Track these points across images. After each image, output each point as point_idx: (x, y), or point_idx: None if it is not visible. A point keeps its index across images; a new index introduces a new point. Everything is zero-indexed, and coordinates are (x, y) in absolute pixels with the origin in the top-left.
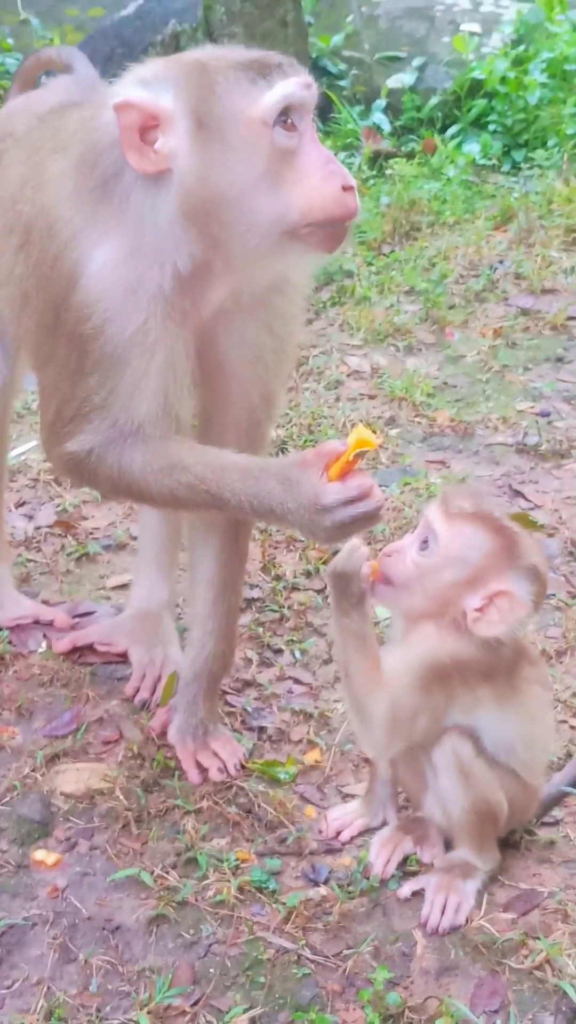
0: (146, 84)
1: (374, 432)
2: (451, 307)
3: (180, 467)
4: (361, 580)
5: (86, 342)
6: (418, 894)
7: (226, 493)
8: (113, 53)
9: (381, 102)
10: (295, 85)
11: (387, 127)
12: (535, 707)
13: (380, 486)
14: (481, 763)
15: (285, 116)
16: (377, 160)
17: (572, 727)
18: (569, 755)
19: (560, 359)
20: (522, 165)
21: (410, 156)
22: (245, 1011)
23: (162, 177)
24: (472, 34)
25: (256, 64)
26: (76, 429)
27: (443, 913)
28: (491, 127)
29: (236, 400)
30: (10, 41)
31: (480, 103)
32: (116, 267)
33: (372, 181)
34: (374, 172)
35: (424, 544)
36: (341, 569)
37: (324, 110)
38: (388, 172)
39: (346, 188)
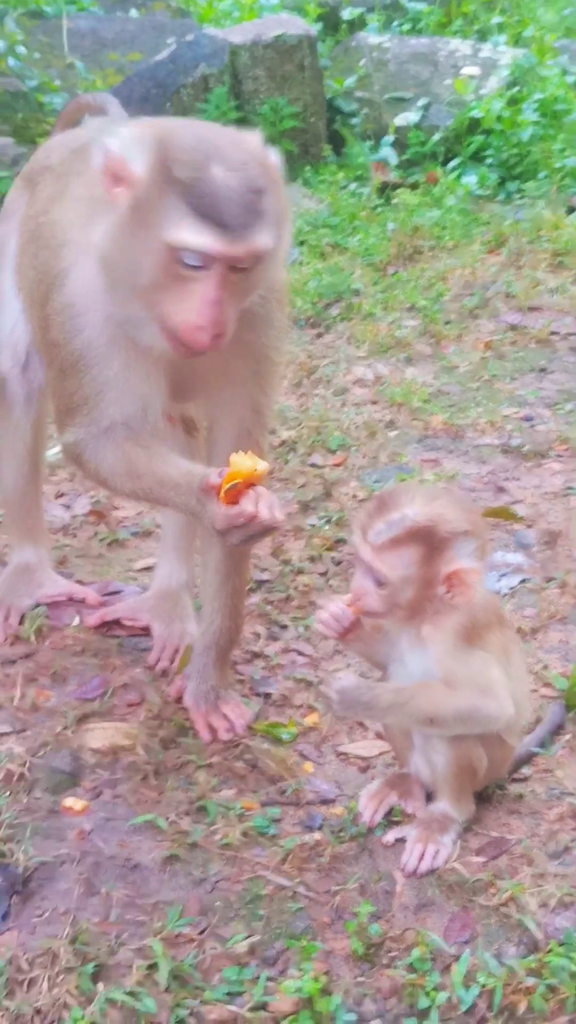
0: (130, 144)
1: (374, 434)
2: (447, 322)
3: (135, 475)
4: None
5: (58, 346)
6: (401, 840)
7: (169, 502)
8: (149, 93)
9: (389, 138)
10: (209, 246)
11: (394, 160)
12: (517, 669)
13: (377, 482)
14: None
15: (197, 257)
16: (385, 190)
17: (543, 696)
18: (539, 720)
19: (543, 369)
20: (515, 195)
21: (414, 187)
22: (245, 938)
23: (108, 214)
24: (471, 77)
25: (205, 204)
26: (69, 422)
27: (421, 859)
28: (488, 161)
29: (227, 413)
30: (57, 82)
31: (478, 139)
32: (87, 280)
33: (380, 209)
34: (382, 201)
35: (377, 586)
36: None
37: (337, 145)
38: (394, 201)
39: (199, 327)
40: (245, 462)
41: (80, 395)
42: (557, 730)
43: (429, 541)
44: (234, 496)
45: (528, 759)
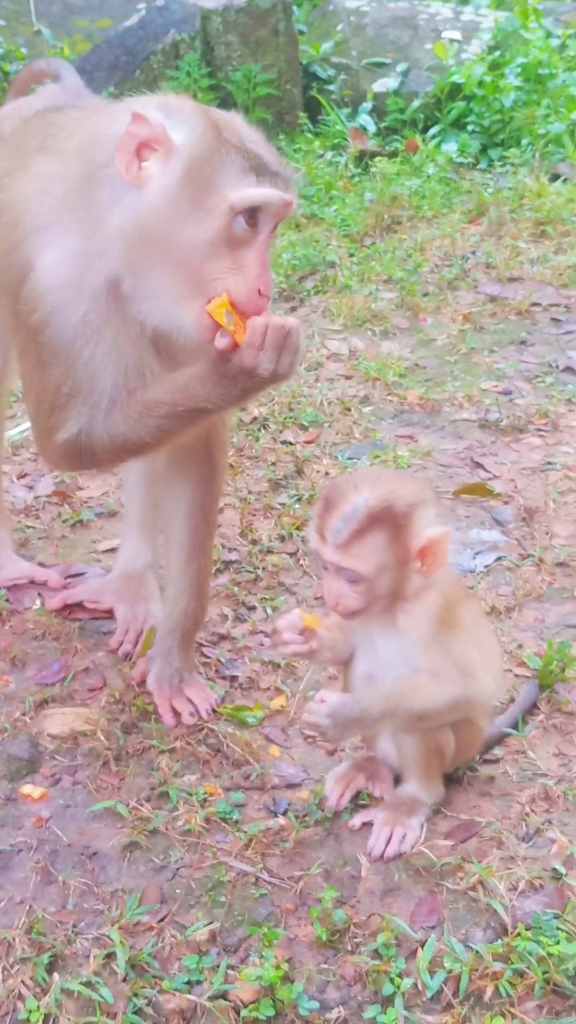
0: (167, 112)
1: (348, 410)
2: (425, 294)
3: (152, 404)
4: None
5: (36, 333)
6: (368, 824)
7: (195, 410)
8: (118, 61)
9: (367, 105)
10: (274, 196)
11: (372, 128)
12: (488, 641)
13: (350, 459)
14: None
15: (253, 214)
16: (363, 159)
17: (516, 675)
18: (512, 700)
19: (523, 342)
20: (497, 163)
21: (393, 155)
22: (206, 926)
23: (130, 190)
24: (452, 41)
25: (259, 161)
26: (60, 419)
27: (388, 843)
28: (469, 128)
29: None
30: (24, 50)
31: (459, 105)
32: (62, 264)
33: (357, 178)
34: (359, 170)
35: (350, 584)
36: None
37: (314, 112)
38: (372, 170)
39: (262, 293)
40: (215, 302)
41: (71, 383)
42: (530, 710)
43: (391, 521)
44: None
45: (500, 740)
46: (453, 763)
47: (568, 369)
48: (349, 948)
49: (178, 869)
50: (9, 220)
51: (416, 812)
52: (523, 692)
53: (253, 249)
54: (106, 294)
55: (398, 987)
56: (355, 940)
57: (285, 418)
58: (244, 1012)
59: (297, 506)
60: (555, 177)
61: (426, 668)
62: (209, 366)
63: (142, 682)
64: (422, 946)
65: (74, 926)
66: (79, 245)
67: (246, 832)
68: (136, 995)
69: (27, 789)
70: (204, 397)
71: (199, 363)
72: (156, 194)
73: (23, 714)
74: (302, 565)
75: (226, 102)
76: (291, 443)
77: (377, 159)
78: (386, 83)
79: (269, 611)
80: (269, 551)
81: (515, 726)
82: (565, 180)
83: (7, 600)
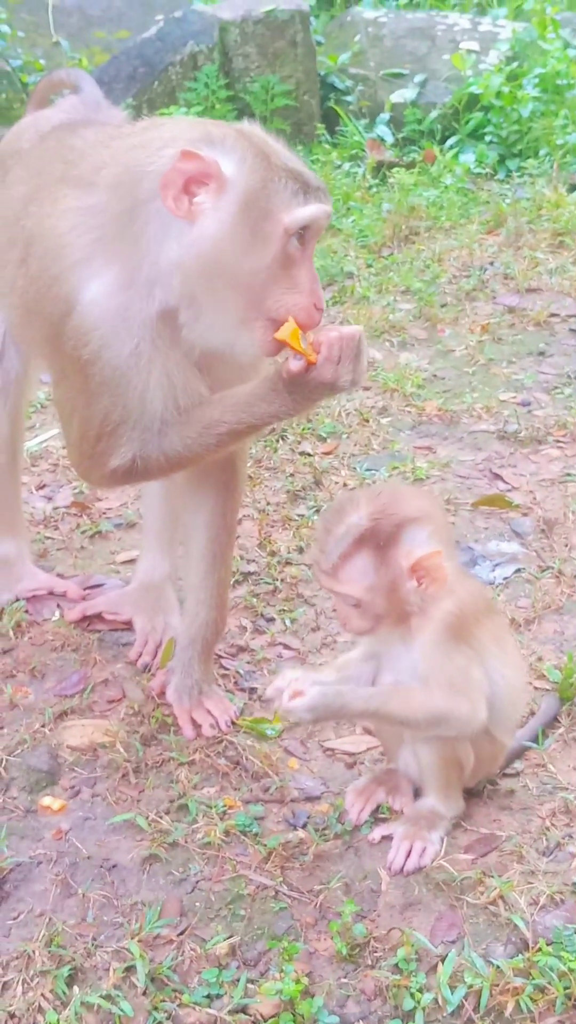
0: (211, 144)
1: (367, 421)
2: (443, 305)
3: (214, 423)
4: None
5: (86, 366)
6: (387, 838)
7: (265, 420)
8: (136, 72)
9: (385, 116)
10: (321, 212)
11: (390, 139)
12: (512, 658)
13: (369, 470)
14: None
15: (303, 232)
16: (380, 169)
17: (535, 688)
18: (532, 713)
19: (542, 353)
20: (515, 173)
21: (411, 166)
22: (226, 939)
23: (180, 224)
24: (470, 52)
25: (302, 179)
26: (110, 447)
27: (408, 857)
28: (487, 138)
29: None
30: (42, 61)
31: (477, 116)
32: (108, 297)
33: (375, 189)
34: (377, 181)
35: (352, 607)
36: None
37: (331, 123)
38: (390, 181)
39: (317, 307)
40: (281, 329)
41: (121, 411)
42: (550, 723)
43: (376, 541)
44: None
45: (520, 753)
46: (474, 777)
47: None
48: (369, 962)
49: (197, 882)
50: (44, 253)
51: (436, 826)
52: (543, 705)
53: (303, 266)
54: (158, 323)
55: (418, 1002)
56: (375, 954)
57: (303, 429)
58: None
59: (315, 517)
60: (573, 188)
61: (420, 669)
62: (277, 384)
63: (161, 694)
64: (442, 961)
65: (94, 939)
66: (125, 278)
67: (266, 845)
68: (156, 1008)
69: (47, 801)
70: (271, 413)
71: (260, 382)
72: (213, 228)
73: (42, 726)
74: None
75: (243, 113)
76: (309, 454)
77: (395, 170)
78: (404, 94)
79: (288, 623)
80: (287, 562)
81: (535, 739)
82: None
83: (26, 611)
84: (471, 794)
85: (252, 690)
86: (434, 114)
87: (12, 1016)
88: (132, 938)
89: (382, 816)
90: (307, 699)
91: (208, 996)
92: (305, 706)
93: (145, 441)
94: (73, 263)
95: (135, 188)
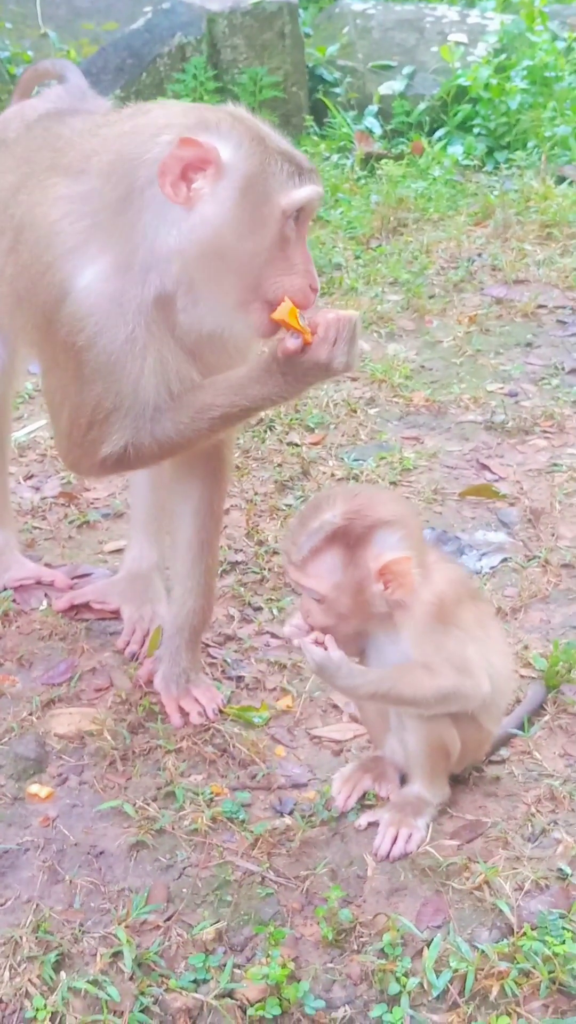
0: (208, 130)
1: (354, 411)
2: (431, 296)
3: (206, 407)
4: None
5: (80, 352)
6: (373, 824)
7: (258, 402)
8: (124, 64)
9: (373, 107)
10: (316, 194)
11: (378, 131)
12: (496, 643)
13: (356, 460)
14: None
15: (298, 214)
16: (368, 161)
17: (522, 676)
18: (518, 701)
19: (529, 344)
20: (503, 165)
21: (399, 157)
22: (212, 925)
23: (177, 210)
24: (458, 44)
25: (296, 162)
26: (102, 435)
27: (393, 843)
28: (475, 130)
29: None
30: (30, 53)
31: (465, 108)
32: (104, 283)
33: (363, 181)
34: (365, 172)
35: (315, 603)
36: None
37: (320, 115)
38: (378, 172)
39: (313, 288)
40: (279, 308)
41: (114, 397)
42: (537, 711)
43: (347, 541)
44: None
45: (506, 740)
46: (460, 764)
47: (574, 371)
48: (355, 947)
49: (184, 868)
50: (36, 241)
51: (422, 812)
52: (529, 693)
53: (298, 247)
54: (154, 309)
55: (404, 986)
56: (361, 939)
57: (291, 419)
58: (250, 1011)
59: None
60: (561, 180)
61: (418, 660)
62: (271, 365)
63: (149, 682)
64: (428, 945)
65: (81, 925)
66: (119, 264)
67: (252, 832)
68: (143, 994)
69: (34, 788)
70: (264, 396)
71: (252, 364)
72: (212, 213)
73: (30, 714)
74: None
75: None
76: (297, 444)
77: (383, 161)
78: (392, 86)
79: (275, 612)
80: (275, 552)
81: (521, 727)
82: (571, 182)
83: (14, 601)
84: (457, 781)
85: (239, 678)
86: (422, 106)
87: (0, 1001)
88: (119, 924)
89: (368, 803)
90: (323, 655)
91: (195, 981)
92: (317, 660)
93: (137, 428)
94: (66, 250)
95: (130, 175)
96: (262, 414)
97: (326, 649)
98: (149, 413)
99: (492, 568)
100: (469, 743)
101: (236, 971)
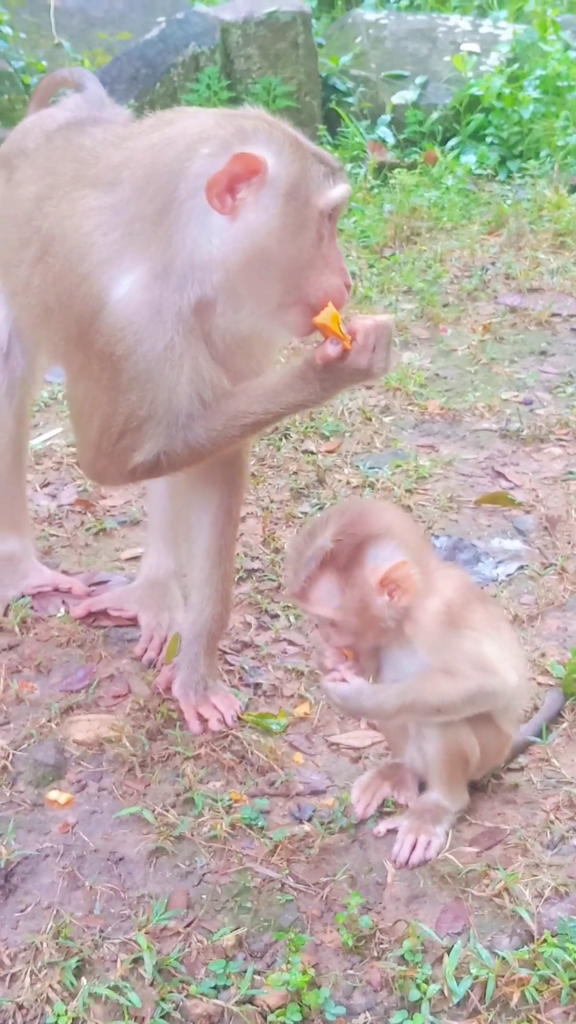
0: (249, 140)
1: (369, 419)
2: (445, 305)
3: (239, 414)
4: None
5: (118, 361)
6: (392, 831)
7: (292, 408)
8: (138, 74)
9: (386, 117)
10: (348, 191)
11: (391, 140)
12: (510, 646)
13: (371, 468)
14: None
15: (331, 213)
16: (381, 171)
17: (539, 683)
18: (536, 708)
19: (543, 352)
20: (516, 174)
21: (412, 167)
22: (232, 931)
23: (222, 221)
24: (471, 53)
25: (327, 162)
26: (134, 443)
27: (412, 850)
28: (488, 139)
29: None
30: (44, 63)
31: (478, 117)
32: (142, 291)
33: (376, 190)
34: (378, 182)
35: (329, 626)
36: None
37: (333, 125)
38: (391, 182)
39: (347, 285)
40: (321, 314)
41: (149, 406)
42: (555, 718)
43: (340, 562)
44: (347, 337)
45: (524, 748)
46: (480, 770)
47: None
48: (375, 954)
49: (204, 875)
50: (69, 253)
51: (441, 820)
52: (547, 700)
53: (331, 243)
54: (192, 317)
55: (424, 993)
56: (381, 946)
57: (306, 428)
58: (271, 1017)
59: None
60: (574, 188)
61: (438, 668)
62: (307, 372)
63: (167, 689)
64: (448, 952)
65: (101, 931)
66: (156, 273)
67: (271, 838)
68: (163, 1000)
69: (53, 795)
70: (298, 402)
71: (286, 371)
72: (258, 221)
73: (49, 720)
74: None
75: None
76: (313, 452)
77: (396, 171)
78: (405, 95)
79: (292, 619)
80: None
81: (539, 734)
82: None
83: (32, 608)
84: (476, 788)
85: (257, 685)
86: (435, 115)
87: (20, 1007)
88: (139, 930)
89: (387, 810)
90: (344, 690)
91: (215, 987)
92: (342, 694)
93: (171, 436)
94: (101, 261)
95: (168, 188)
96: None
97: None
98: (183, 420)
99: (508, 576)
100: (488, 748)
101: (256, 977)
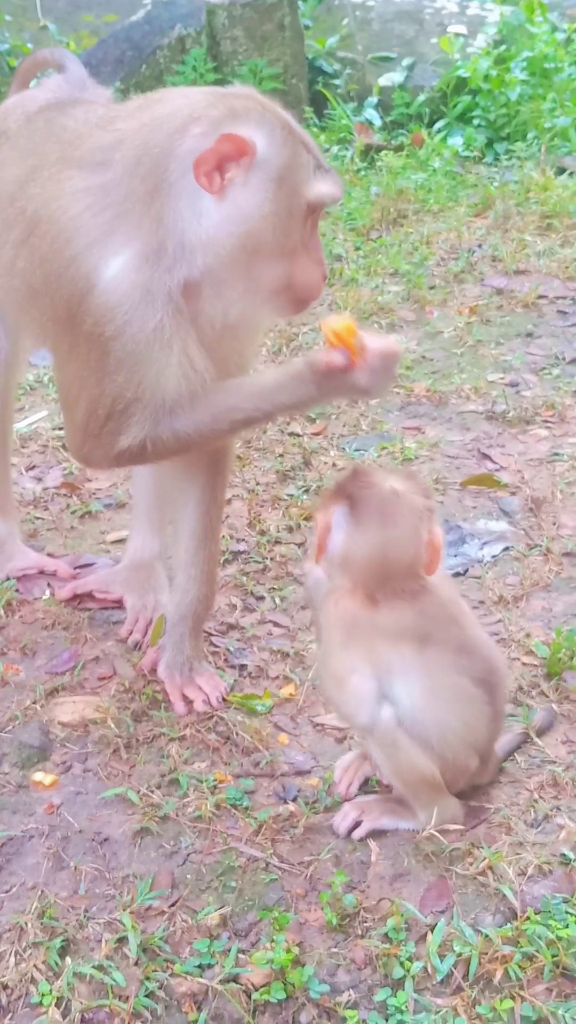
0: (240, 120)
1: (355, 401)
2: (431, 287)
3: (230, 409)
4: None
5: (106, 343)
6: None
7: (283, 410)
8: (124, 56)
9: (373, 99)
10: (338, 192)
11: (378, 122)
12: (449, 691)
13: (357, 450)
14: (402, 734)
15: (317, 207)
16: (368, 153)
17: (523, 664)
18: (520, 688)
19: (530, 334)
20: (503, 157)
21: (399, 149)
22: (217, 910)
23: (211, 201)
24: (458, 35)
25: (315, 154)
26: (119, 426)
27: (353, 826)
28: (475, 121)
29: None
30: (30, 46)
31: (465, 99)
32: (132, 272)
33: (363, 172)
34: (365, 164)
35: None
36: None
37: (319, 107)
38: (378, 164)
39: (323, 277)
40: (337, 321)
41: (136, 389)
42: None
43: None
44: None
45: (518, 746)
46: (453, 786)
47: (575, 361)
48: (359, 932)
49: (188, 855)
50: (56, 235)
51: (403, 816)
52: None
53: (312, 235)
54: (180, 299)
55: (408, 970)
56: (365, 924)
57: None
58: (255, 995)
59: (305, 497)
60: (561, 171)
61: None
62: (305, 374)
63: (152, 671)
64: (432, 930)
65: (86, 911)
66: (146, 254)
67: (256, 818)
68: (148, 978)
69: (38, 776)
70: (291, 403)
71: (283, 371)
72: (246, 201)
73: (34, 702)
74: (309, 556)
75: None
76: (298, 435)
77: (383, 153)
78: (392, 77)
79: (277, 601)
80: (277, 541)
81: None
82: (571, 173)
83: (17, 590)
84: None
85: (242, 667)
86: (422, 97)
87: (5, 987)
88: (124, 910)
89: (371, 789)
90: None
91: (200, 966)
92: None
93: (157, 421)
94: (90, 243)
95: (160, 168)
96: None
97: None
98: (169, 405)
99: (494, 557)
100: (444, 772)
101: (241, 956)
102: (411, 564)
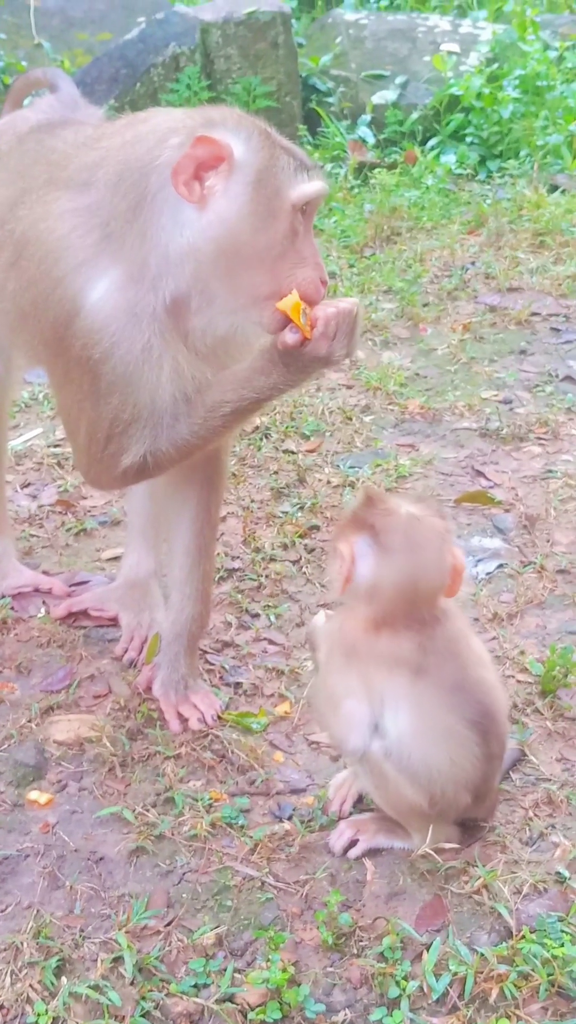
0: (217, 126)
1: (349, 419)
2: (425, 305)
3: (217, 404)
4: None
5: (96, 366)
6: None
7: (265, 393)
8: (118, 74)
9: (366, 117)
10: (322, 188)
11: (371, 140)
12: (438, 728)
13: (352, 467)
14: (390, 766)
15: (305, 208)
16: (362, 170)
17: (518, 681)
18: (515, 706)
19: (523, 351)
20: (496, 174)
21: (392, 167)
22: (212, 930)
23: (192, 211)
24: (451, 53)
25: (298, 157)
26: (121, 447)
27: (348, 845)
28: (468, 139)
29: None
30: (24, 64)
31: (458, 117)
32: (117, 293)
33: (357, 190)
34: (359, 182)
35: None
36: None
37: (313, 125)
38: (372, 181)
39: (323, 280)
40: (286, 300)
41: (132, 409)
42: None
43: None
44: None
45: (513, 764)
46: (443, 819)
47: (568, 378)
48: (355, 951)
49: (184, 874)
50: (44, 257)
51: (397, 835)
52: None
53: (306, 239)
54: (167, 316)
55: (404, 989)
56: (361, 943)
57: (287, 427)
58: (251, 1015)
59: (299, 514)
60: (553, 188)
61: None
62: (274, 357)
63: (147, 689)
64: (427, 949)
65: (81, 930)
66: (131, 274)
67: (252, 837)
68: (144, 998)
69: (34, 795)
70: (270, 386)
71: (255, 356)
72: (227, 209)
73: (29, 721)
74: (304, 573)
75: None
76: (293, 452)
77: (376, 171)
78: (385, 95)
79: (272, 618)
80: (272, 559)
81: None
82: (563, 191)
83: (12, 608)
84: None
85: (237, 685)
86: (415, 115)
87: (1, 1007)
88: (119, 929)
89: (368, 807)
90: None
91: (195, 986)
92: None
93: (156, 436)
94: (77, 264)
95: (141, 183)
96: (258, 421)
97: None
98: (167, 420)
99: (488, 574)
100: (434, 803)
101: (236, 976)
102: (437, 589)
